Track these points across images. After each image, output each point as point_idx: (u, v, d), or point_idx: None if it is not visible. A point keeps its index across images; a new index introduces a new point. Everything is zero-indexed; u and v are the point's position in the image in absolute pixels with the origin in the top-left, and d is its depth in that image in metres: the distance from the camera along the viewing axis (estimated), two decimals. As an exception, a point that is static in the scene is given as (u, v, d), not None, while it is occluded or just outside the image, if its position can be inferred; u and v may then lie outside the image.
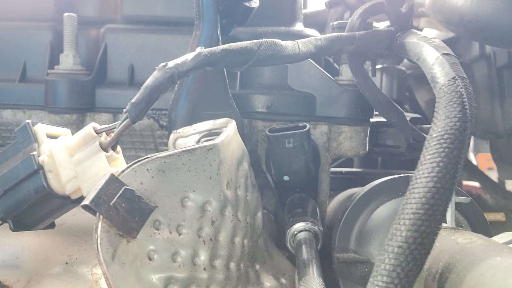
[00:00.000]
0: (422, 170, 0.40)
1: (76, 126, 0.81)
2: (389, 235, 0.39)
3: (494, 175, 1.44)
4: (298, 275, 0.56)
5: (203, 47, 0.55)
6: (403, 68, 1.33)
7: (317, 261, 0.57)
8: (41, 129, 0.58)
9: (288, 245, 0.66)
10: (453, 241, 0.45)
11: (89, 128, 0.55)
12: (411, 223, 0.38)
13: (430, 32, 1.25)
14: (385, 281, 0.37)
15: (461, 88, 0.45)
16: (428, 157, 0.40)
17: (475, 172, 1.37)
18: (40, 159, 0.56)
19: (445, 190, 0.39)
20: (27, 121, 0.58)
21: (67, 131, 0.62)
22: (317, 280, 0.52)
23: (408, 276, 0.37)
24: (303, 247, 0.61)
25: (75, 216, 0.69)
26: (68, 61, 0.82)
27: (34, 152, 0.56)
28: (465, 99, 0.44)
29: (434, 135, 0.42)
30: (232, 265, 0.56)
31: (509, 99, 1.14)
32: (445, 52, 0.51)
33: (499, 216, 1.48)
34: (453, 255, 0.42)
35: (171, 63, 0.53)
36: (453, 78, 0.46)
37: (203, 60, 0.54)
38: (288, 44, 0.60)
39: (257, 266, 0.64)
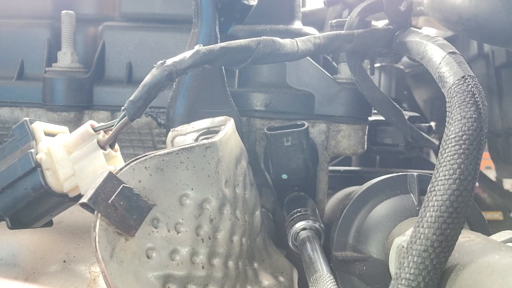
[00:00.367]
0: (443, 172, 0.40)
1: (74, 124, 0.81)
2: (411, 238, 0.39)
3: (492, 174, 1.44)
4: (306, 273, 0.56)
5: (202, 45, 0.55)
6: (402, 67, 1.33)
7: (323, 257, 0.57)
8: (39, 127, 0.58)
9: (291, 245, 0.66)
10: (451, 239, 0.45)
11: (87, 126, 0.55)
12: (436, 227, 0.38)
13: (429, 31, 1.25)
14: (410, 284, 0.37)
15: (472, 87, 0.45)
16: (448, 158, 0.40)
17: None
18: (38, 157, 0.55)
19: (467, 192, 0.39)
20: (25, 118, 0.58)
21: (65, 129, 0.62)
22: (327, 277, 0.52)
23: (433, 279, 0.37)
24: (308, 244, 0.61)
25: (73, 214, 0.69)
26: (66, 58, 0.82)
27: (32, 150, 0.55)
28: (478, 99, 0.44)
29: (452, 136, 0.41)
30: (231, 263, 0.56)
31: (507, 98, 1.14)
32: (451, 50, 0.51)
33: (497, 215, 1.48)
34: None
35: (169, 61, 0.53)
36: (463, 77, 0.46)
37: (201, 57, 0.53)
38: (286, 42, 0.59)
39: (256, 265, 0.64)
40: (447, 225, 0.37)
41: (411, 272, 0.37)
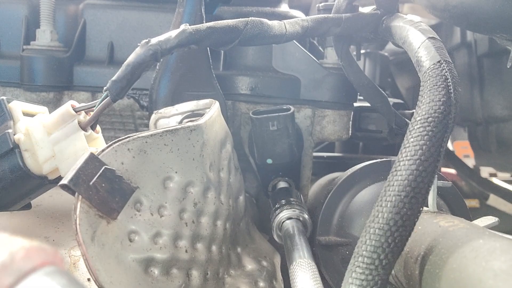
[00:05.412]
0: (405, 153, 0.40)
1: (53, 105, 0.79)
2: (370, 217, 0.39)
3: (470, 163, 1.46)
4: (288, 259, 0.55)
5: (187, 24, 0.53)
6: (386, 54, 1.33)
7: (307, 245, 0.57)
8: (17, 107, 0.56)
9: (274, 235, 0.65)
10: (435, 224, 0.45)
11: (67, 106, 0.53)
12: (392, 205, 0.38)
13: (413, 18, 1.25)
14: (366, 262, 0.37)
15: (446, 72, 0.45)
16: (412, 140, 0.41)
17: (451, 159, 1.39)
18: (16, 137, 0.54)
19: (427, 173, 0.39)
20: (2, 98, 0.56)
21: (44, 109, 0.60)
22: (310, 263, 0.51)
23: (389, 257, 0.37)
24: (291, 233, 0.60)
25: (52, 197, 0.68)
26: (45, 37, 0.79)
27: (10, 130, 0.54)
28: (450, 83, 0.44)
29: (418, 118, 0.42)
30: (214, 247, 0.56)
31: (488, 87, 1.16)
32: (431, 36, 0.51)
33: (473, 203, 1.52)
34: (435, 238, 0.42)
35: (154, 40, 0.51)
36: (439, 62, 0.46)
37: (187, 37, 0.52)
38: (275, 24, 0.58)
39: (239, 249, 0.64)
40: (403, 204, 0.38)
41: (367, 249, 0.37)
